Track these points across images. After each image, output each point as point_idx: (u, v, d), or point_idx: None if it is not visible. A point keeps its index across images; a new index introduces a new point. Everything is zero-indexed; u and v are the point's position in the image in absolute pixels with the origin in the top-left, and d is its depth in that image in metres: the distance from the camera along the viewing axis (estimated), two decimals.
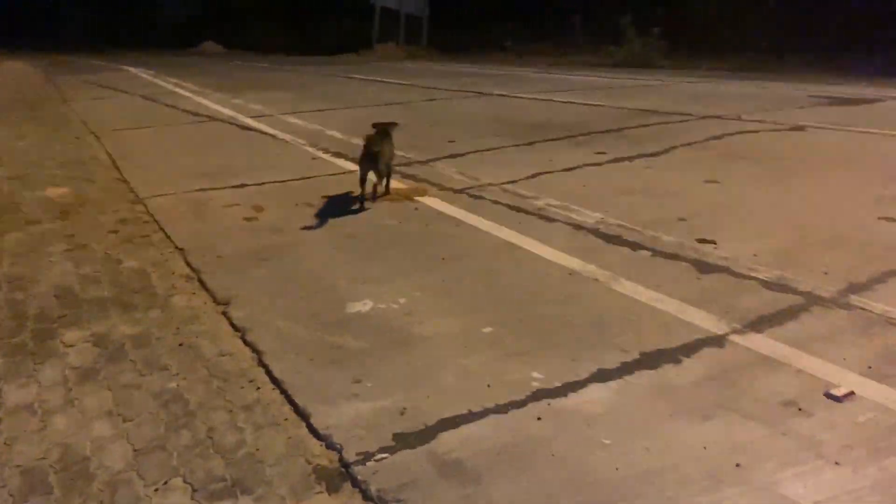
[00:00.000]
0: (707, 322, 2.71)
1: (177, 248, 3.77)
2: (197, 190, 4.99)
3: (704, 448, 1.95)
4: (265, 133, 7.49)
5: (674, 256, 3.45)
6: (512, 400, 2.21)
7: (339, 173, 5.45)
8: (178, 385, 2.37)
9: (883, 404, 2.12)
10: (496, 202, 4.51)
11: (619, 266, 3.34)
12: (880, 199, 4.26)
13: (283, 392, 2.31)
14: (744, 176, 5.01)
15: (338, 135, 6.97)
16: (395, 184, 4.93)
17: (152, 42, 31.02)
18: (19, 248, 3.81)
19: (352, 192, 4.73)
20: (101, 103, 10.87)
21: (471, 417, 2.13)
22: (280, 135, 7.30)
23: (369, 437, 2.05)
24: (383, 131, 4.62)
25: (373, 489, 1.83)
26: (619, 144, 6.24)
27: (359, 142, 5.88)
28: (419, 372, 2.43)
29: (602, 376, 2.35)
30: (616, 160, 5.60)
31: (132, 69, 17.66)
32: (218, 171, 5.54)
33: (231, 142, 7.18)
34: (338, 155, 6.11)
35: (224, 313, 2.94)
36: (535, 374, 2.36)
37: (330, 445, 2.01)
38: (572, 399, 2.22)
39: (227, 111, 9.26)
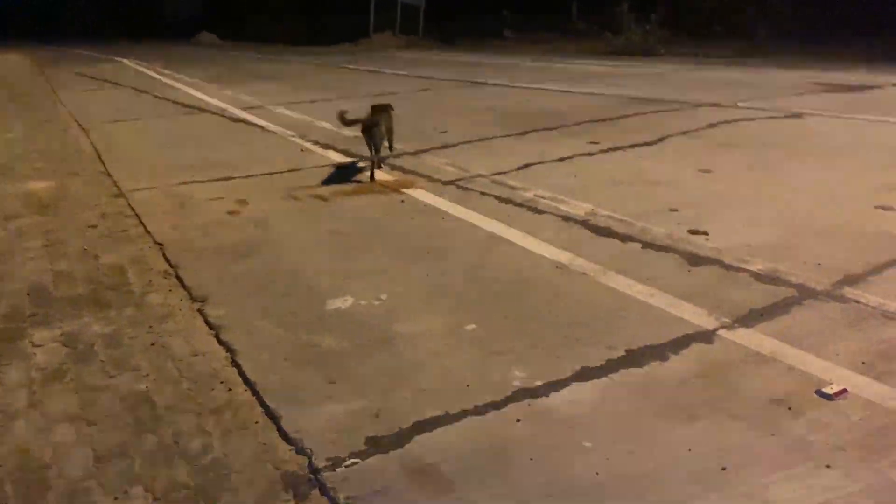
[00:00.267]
0: (697, 317, 2.63)
1: (156, 243, 3.68)
2: (181, 183, 4.90)
3: (689, 451, 1.87)
4: (255, 125, 7.38)
5: (665, 248, 3.36)
6: (491, 401, 2.13)
7: (327, 165, 5.35)
8: (146, 387, 2.29)
9: (877, 402, 2.03)
10: (485, 194, 4.41)
11: (608, 259, 3.25)
12: (877, 187, 4.17)
13: (255, 394, 2.23)
14: (738, 165, 4.91)
15: (328, 126, 6.85)
16: (382, 176, 4.84)
17: (147, 35, 30.80)
18: None
19: (342, 184, 4.64)
20: (90, 95, 10.76)
21: (448, 420, 2.05)
22: (270, 126, 7.19)
23: (341, 441, 1.97)
24: (381, 108, 5.07)
25: (341, 497, 1.75)
26: (612, 134, 6.13)
27: (349, 133, 5.82)
28: (397, 372, 2.35)
29: (586, 375, 2.26)
30: (609, 150, 5.50)
31: (125, 61, 17.49)
32: (204, 164, 5.44)
33: (219, 134, 7.08)
34: (327, 147, 6.01)
35: (200, 311, 2.86)
36: (517, 374, 2.28)
37: (300, 450, 1.93)
38: (554, 399, 2.14)
39: (218, 103, 9.14)
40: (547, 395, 2.15)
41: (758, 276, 2.97)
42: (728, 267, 3.09)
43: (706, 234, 3.53)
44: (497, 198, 4.32)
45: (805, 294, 2.78)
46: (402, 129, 5.47)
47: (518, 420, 2.03)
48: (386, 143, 5.16)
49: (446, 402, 2.13)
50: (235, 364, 2.42)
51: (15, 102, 9.92)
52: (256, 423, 2.08)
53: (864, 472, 1.74)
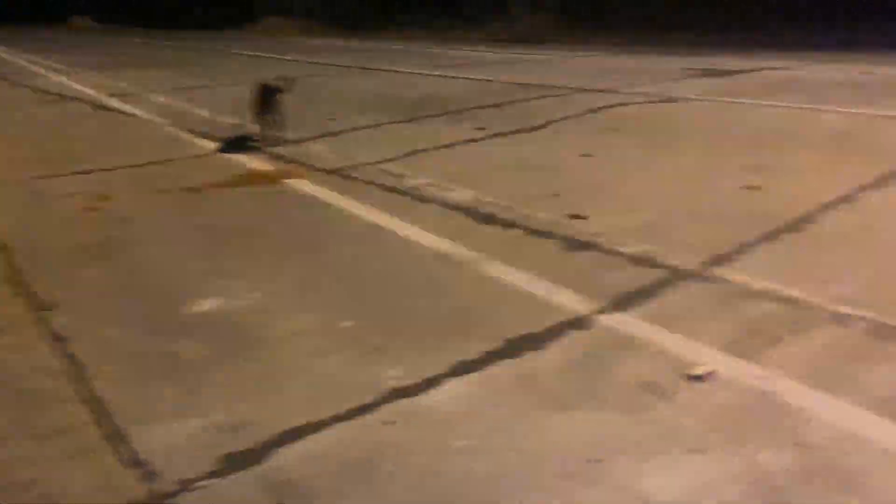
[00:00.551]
0: (574, 303, 2.61)
1: (1, 245, 3.31)
2: (35, 178, 4.47)
3: (564, 444, 1.83)
4: (126, 113, 6.90)
5: (546, 234, 3.35)
6: (363, 404, 2.01)
7: (202, 155, 5.04)
8: None
9: (743, 381, 2.07)
10: (369, 183, 4.28)
11: (490, 247, 3.20)
12: (745, 168, 4.34)
13: (101, 412, 2.01)
14: (618, 149, 5.02)
15: (205, 114, 6.49)
16: (260, 165, 4.61)
17: (15, 17, 28.37)
18: None
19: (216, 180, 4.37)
20: None
21: (314, 428, 1.91)
22: (143, 115, 6.74)
23: (195, 460, 1.79)
24: (272, 88, 5.17)
25: None
26: (500, 119, 6.13)
27: (229, 120, 5.54)
28: (264, 379, 2.19)
29: (463, 369, 2.19)
30: (495, 135, 5.49)
31: None
32: (62, 157, 5.00)
33: (85, 123, 6.56)
34: (203, 136, 5.67)
35: (45, 320, 2.58)
36: (392, 372, 2.18)
37: (148, 474, 1.75)
38: (429, 397, 2.05)
39: (88, 91, 8.50)
40: (421, 394, 2.06)
41: (632, 259, 3.00)
42: (605, 251, 3.11)
43: (586, 217, 3.55)
44: (381, 186, 4.20)
45: (677, 275, 2.82)
46: (287, 116, 5.24)
47: (390, 423, 1.93)
48: (277, 125, 5.16)
49: (315, 409, 1.99)
50: (81, 379, 2.18)
51: None
52: (99, 446, 1.87)
53: (731, 456, 1.75)
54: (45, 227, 3.58)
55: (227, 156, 5.01)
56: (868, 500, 1.58)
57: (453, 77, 9.30)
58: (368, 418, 1.96)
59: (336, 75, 10.00)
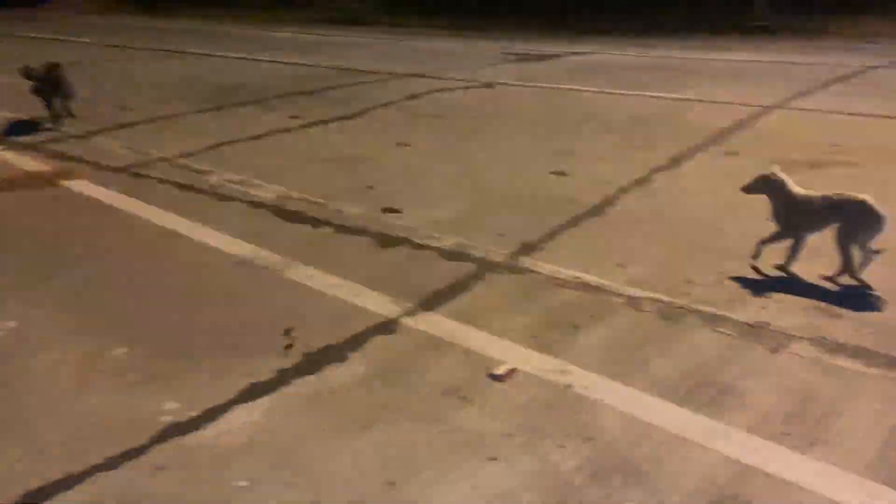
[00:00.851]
0: (380, 305, 2.49)
1: None
2: None
3: (356, 469, 1.69)
4: None
5: (357, 231, 3.20)
6: (130, 448, 1.75)
7: None
8: None
9: (542, 378, 2.04)
10: (164, 181, 3.88)
11: (296, 248, 3.00)
12: (555, 152, 4.45)
13: None
14: (435, 137, 4.97)
15: None
16: (35, 164, 4.03)
17: None
18: None
19: None
20: None
21: (69, 483, 1.63)
22: None
23: None
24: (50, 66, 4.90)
25: None
26: (315, 107, 5.87)
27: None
28: (13, 424, 1.85)
29: (253, 393, 1.98)
30: (310, 124, 5.24)
31: None
32: None
33: None
34: None
35: None
36: (169, 406, 1.92)
37: None
38: (210, 431, 1.82)
39: None
40: (202, 428, 1.83)
41: (443, 253, 2.93)
42: (416, 246, 3.02)
43: (399, 211, 3.44)
44: (178, 185, 3.82)
45: (485, 268, 2.79)
46: (71, 106, 4.65)
47: (161, 469, 1.69)
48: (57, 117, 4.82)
49: (72, 459, 1.70)
50: None
51: None
52: None
53: (527, 459, 1.71)
54: None
55: None
56: (656, 491, 1.59)
57: (271, 61, 8.84)
58: (136, 463, 1.70)
59: (137, 59, 9.15)
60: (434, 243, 3.04)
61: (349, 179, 3.96)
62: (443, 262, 2.85)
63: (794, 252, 2.66)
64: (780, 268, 2.68)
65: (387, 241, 3.08)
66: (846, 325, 2.29)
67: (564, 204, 3.49)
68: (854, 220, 2.50)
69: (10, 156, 4.33)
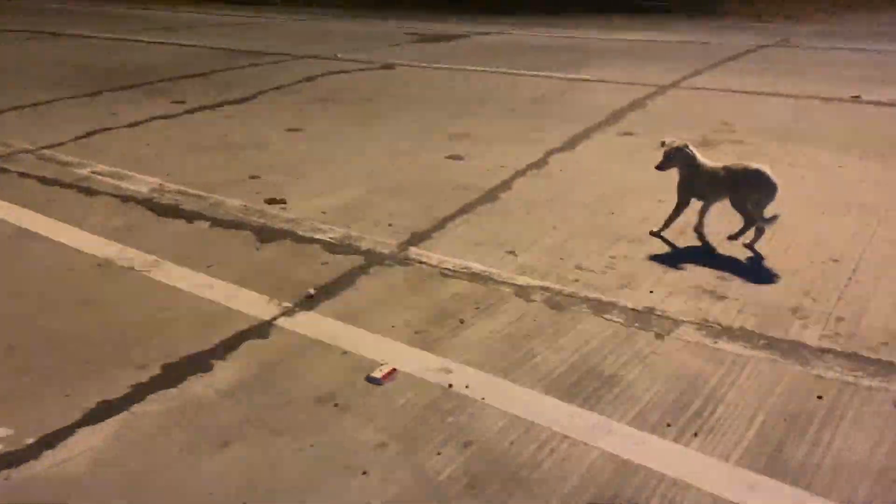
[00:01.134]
0: (256, 306, 2.31)
1: None
2: None
3: (212, 490, 1.53)
4: None
5: (236, 225, 2.99)
6: None
7: None
8: None
9: (423, 378, 1.93)
10: (25, 175, 3.53)
11: (167, 246, 2.76)
12: (451, 136, 4.34)
13: None
14: (328, 121, 4.76)
15: None
16: None
17: None
18: None
19: None
20: None
21: None
22: None
23: None
24: None
25: None
26: (202, 91, 5.53)
27: None
28: None
29: (101, 413, 1.78)
30: (194, 110, 4.92)
31: None
32: None
33: None
34: None
35: None
36: (1, 432, 1.69)
37: None
38: (46, 461, 1.61)
39: None
40: (37, 458, 1.62)
41: (329, 246, 2.77)
42: (300, 239, 2.84)
43: (284, 202, 3.24)
44: (40, 179, 3.48)
45: (372, 260, 2.65)
46: None
47: None
48: None
49: None
50: None
51: None
52: None
53: (402, 470, 1.59)
54: None
55: None
56: (535, 496, 1.51)
57: (160, 42, 8.32)
58: None
59: (11, 42, 8.42)
60: (319, 235, 2.87)
61: (233, 169, 3.72)
62: (327, 256, 2.69)
63: (700, 219, 2.85)
64: (697, 230, 2.85)
65: (268, 234, 2.89)
66: (730, 306, 2.29)
67: (458, 190, 3.38)
68: (752, 186, 2.67)
69: None
